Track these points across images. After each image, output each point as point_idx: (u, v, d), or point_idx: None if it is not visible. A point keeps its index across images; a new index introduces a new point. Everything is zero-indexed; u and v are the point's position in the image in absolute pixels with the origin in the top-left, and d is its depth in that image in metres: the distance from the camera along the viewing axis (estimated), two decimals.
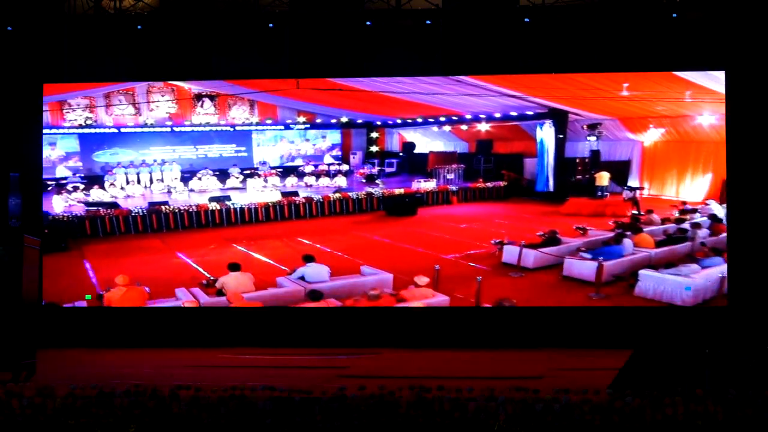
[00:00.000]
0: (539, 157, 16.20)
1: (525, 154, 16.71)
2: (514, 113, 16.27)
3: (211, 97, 18.89)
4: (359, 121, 19.13)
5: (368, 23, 17.65)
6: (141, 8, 18.23)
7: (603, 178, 15.73)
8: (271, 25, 17.82)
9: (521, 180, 16.52)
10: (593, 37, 17.30)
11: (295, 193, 19.09)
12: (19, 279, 13.08)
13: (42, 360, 13.22)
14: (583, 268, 15.25)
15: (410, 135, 19.16)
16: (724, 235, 15.25)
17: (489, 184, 17.15)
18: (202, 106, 18.89)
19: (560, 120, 16.18)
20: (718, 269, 14.86)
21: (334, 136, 19.81)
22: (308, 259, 16.62)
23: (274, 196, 18.85)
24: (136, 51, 18.11)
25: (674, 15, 16.92)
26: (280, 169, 19.52)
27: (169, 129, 18.85)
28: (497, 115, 16.31)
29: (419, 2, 17.85)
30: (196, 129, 18.82)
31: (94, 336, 17.07)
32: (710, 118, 15.20)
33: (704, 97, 15.24)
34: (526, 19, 17.26)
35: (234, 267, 16.74)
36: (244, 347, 16.46)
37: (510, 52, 17.43)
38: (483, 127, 16.80)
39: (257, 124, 19.40)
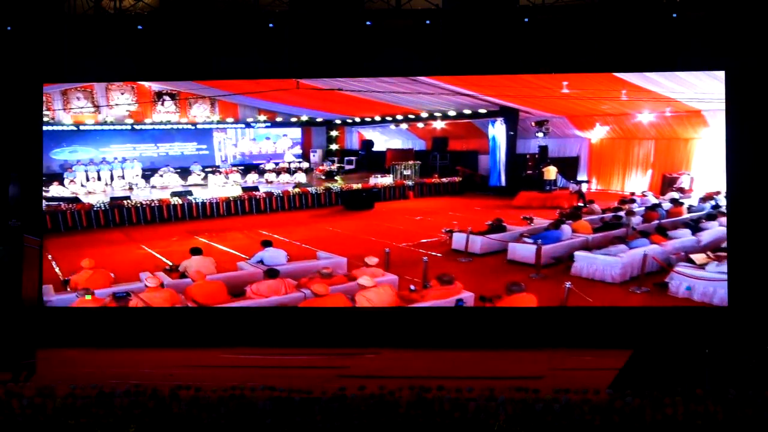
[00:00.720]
0: (491, 153, 16.99)
1: (479, 151, 17.53)
2: (467, 111, 16.65)
3: (172, 96, 18.93)
4: (319, 119, 19.40)
5: (368, 23, 17.64)
6: (141, 8, 18.23)
7: (550, 173, 16.71)
8: (271, 25, 17.82)
9: (475, 175, 17.36)
10: (593, 37, 17.31)
11: (256, 188, 19.45)
12: (19, 279, 13.10)
13: (42, 360, 13.22)
14: (525, 251, 16.11)
15: (369, 133, 19.60)
16: (656, 222, 16.30)
17: (444, 180, 17.82)
18: (162, 104, 18.93)
19: (511, 118, 16.77)
20: (643, 249, 15.67)
21: (295, 135, 20.06)
22: (266, 244, 17.11)
23: (235, 191, 19.11)
24: (136, 51, 18.10)
25: (674, 15, 16.91)
26: (241, 167, 19.71)
27: (129, 127, 18.86)
28: (452, 113, 16.76)
29: (419, 2, 17.85)
30: (157, 127, 18.88)
31: (94, 336, 17.06)
32: (650, 116, 16.00)
33: (640, 96, 15.99)
34: (526, 19, 17.26)
35: (196, 251, 17.09)
36: (244, 347, 16.46)
37: (510, 52, 17.43)
38: (438, 125, 17.42)
39: (218, 122, 19.54)
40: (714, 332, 15.47)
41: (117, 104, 18.44)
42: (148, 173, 19.14)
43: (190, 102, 19.21)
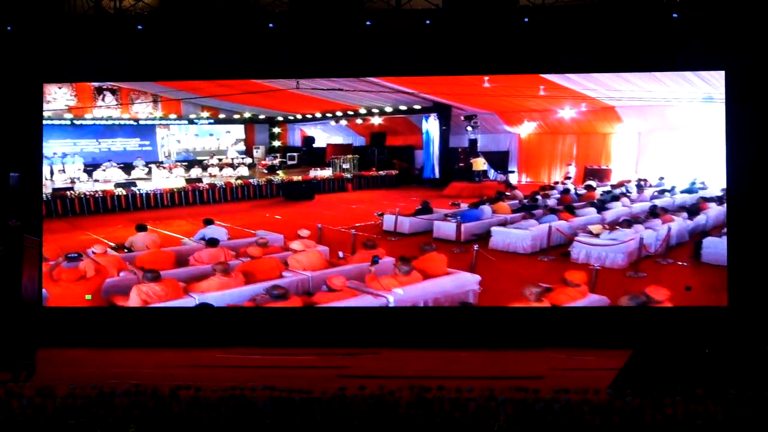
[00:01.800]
0: (425, 147, 17.91)
1: (415, 146, 18.24)
2: (403, 107, 17.28)
3: (113, 91, 18.93)
4: (262, 117, 19.67)
5: (368, 23, 17.65)
6: (141, 8, 18.24)
7: (479, 164, 17.99)
8: (271, 25, 17.82)
9: (412, 169, 18.23)
10: (593, 37, 17.32)
11: (199, 180, 19.76)
12: (19, 279, 13.08)
13: (42, 360, 13.22)
14: (448, 229, 17.51)
15: (310, 130, 20.06)
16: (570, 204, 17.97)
17: (381, 173, 18.41)
18: (103, 99, 18.89)
19: (444, 113, 17.60)
20: (549, 223, 17.37)
21: (238, 132, 20.26)
22: (208, 222, 18.01)
23: (179, 183, 19.29)
24: (136, 51, 18.11)
25: (674, 15, 16.91)
26: (185, 162, 19.85)
27: (69, 122, 18.84)
28: (388, 109, 17.40)
29: (419, 2, 17.86)
30: (98, 122, 18.88)
31: (94, 336, 17.06)
32: (570, 112, 17.20)
33: (558, 93, 17.06)
34: (526, 19, 17.26)
35: (141, 227, 17.77)
36: (244, 347, 16.46)
37: (510, 52, 17.43)
38: (376, 121, 17.84)
39: (161, 118, 19.60)
40: (714, 332, 15.48)
41: (54, 98, 18.37)
42: (90, 168, 19.18)
43: (131, 98, 19.25)
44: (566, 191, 18.52)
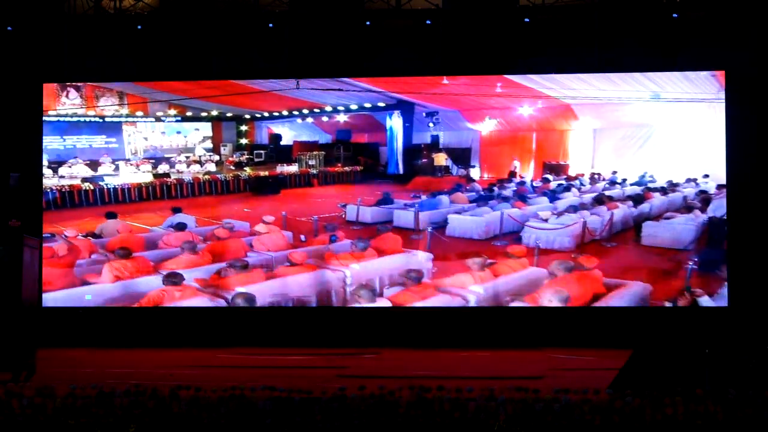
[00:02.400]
0: (389, 143, 18.28)
1: (380, 143, 18.69)
2: (368, 104, 17.72)
3: (77, 88, 18.87)
4: (229, 114, 19.79)
5: (368, 23, 17.65)
6: (141, 8, 18.24)
7: (440, 159, 18.46)
8: (271, 25, 17.82)
9: (376, 165, 18.62)
10: (593, 37, 17.32)
11: (167, 175, 19.91)
12: (19, 279, 13.10)
13: (42, 360, 13.22)
14: (407, 217, 18.18)
15: (277, 128, 20.22)
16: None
17: (347, 168, 18.71)
18: (67, 96, 18.83)
19: (407, 111, 18.11)
20: (502, 211, 18.25)
21: (205, 129, 20.37)
22: (176, 210, 18.47)
23: (147, 177, 19.43)
24: (136, 51, 18.11)
25: (674, 15, 16.91)
26: (152, 160, 19.89)
27: None
28: (354, 107, 17.72)
29: (419, 2, 17.86)
30: (62, 119, 18.85)
31: (94, 336, 17.06)
32: (529, 109, 17.63)
33: (516, 91, 17.52)
34: (526, 19, 17.26)
35: (111, 215, 18.05)
36: (244, 347, 16.46)
37: (510, 52, 17.43)
38: (342, 118, 18.12)
39: (127, 116, 19.60)
40: (714, 332, 15.49)
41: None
42: (54, 165, 19.17)
43: (96, 95, 19.23)
44: (522, 183, 19.34)
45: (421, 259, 17.11)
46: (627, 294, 15.91)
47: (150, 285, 16.52)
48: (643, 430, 9.40)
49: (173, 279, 16.38)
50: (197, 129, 20.36)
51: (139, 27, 17.95)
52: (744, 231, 16.62)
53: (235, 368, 14.75)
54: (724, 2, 16.96)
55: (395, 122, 18.21)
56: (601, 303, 15.73)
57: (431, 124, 18.06)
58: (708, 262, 15.98)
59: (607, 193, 18.20)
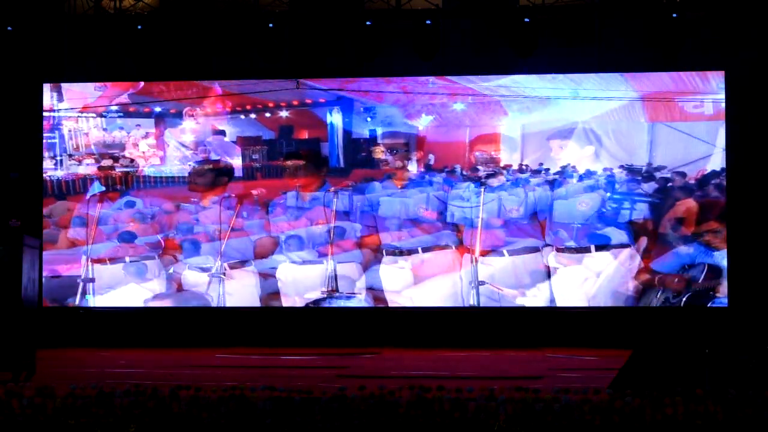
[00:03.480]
0: (330, 138, 18.60)
1: (321, 138, 18.92)
2: (309, 101, 18.48)
3: None
4: (172, 111, 19.82)
5: (368, 23, 17.64)
6: (141, 8, 18.23)
7: (378, 152, 18.78)
8: (271, 25, 17.81)
9: (318, 159, 18.89)
10: (593, 36, 17.33)
11: (112, 168, 19.87)
12: (19, 279, 13.08)
13: (42, 360, 13.22)
14: (342, 201, 18.60)
15: (221, 124, 20.16)
16: None
17: (289, 162, 18.76)
18: None
19: (347, 106, 18.41)
20: (427, 193, 18.85)
21: (148, 125, 20.38)
22: (125, 193, 18.82)
23: (90, 170, 19.48)
24: (136, 51, 18.10)
25: (674, 15, 16.91)
26: (95, 155, 19.86)
27: None
28: (295, 103, 18.06)
29: (419, 2, 17.85)
30: None
31: (94, 336, 17.07)
32: (462, 105, 18.13)
33: (448, 87, 18.18)
34: (527, 19, 17.26)
35: (60, 196, 18.45)
36: (244, 347, 16.47)
37: (510, 52, 17.44)
38: (284, 114, 18.17)
39: (67, 110, 19.53)
40: (714, 332, 15.50)
41: None
42: None
43: None
44: (452, 171, 19.80)
45: (351, 227, 18.17)
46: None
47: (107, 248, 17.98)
48: (643, 430, 9.39)
49: (126, 237, 17.83)
50: (138, 125, 20.30)
51: (139, 27, 17.94)
52: (744, 231, 16.63)
53: (235, 368, 14.76)
54: (724, 2, 16.96)
55: (335, 118, 18.69)
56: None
57: (369, 119, 18.43)
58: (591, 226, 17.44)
59: (531, 180, 18.71)
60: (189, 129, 18.75)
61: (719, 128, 16.91)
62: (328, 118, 18.78)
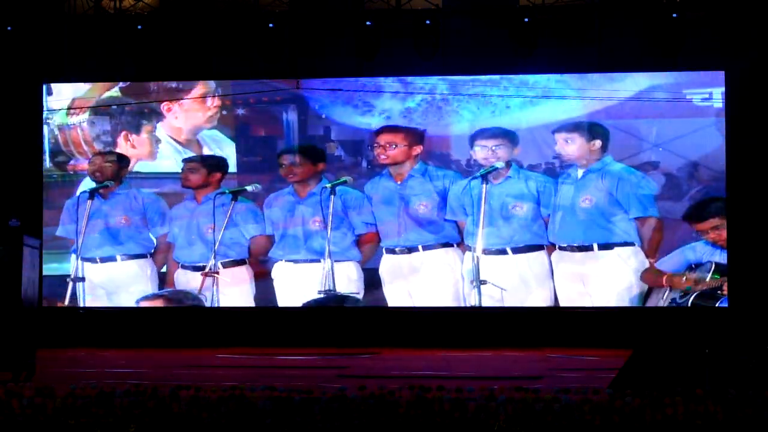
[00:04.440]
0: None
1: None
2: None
3: None
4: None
5: (368, 23, 17.64)
6: (141, 8, 18.23)
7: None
8: (271, 25, 17.81)
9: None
10: (593, 36, 17.33)
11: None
12: (19, 279, 13.07)
13: (42, 360, 13.21)
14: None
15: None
16: None
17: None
18: None
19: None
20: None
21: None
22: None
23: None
24: (136, 51, 18.09)
25: (674, 15, 16.91)
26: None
27: None
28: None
29: (419, 2, 17.85)
30: None
31: (94, 336, 17.07)
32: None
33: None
34: (526, 19, 17.26)
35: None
36: (244, 347, 16.48)
37: (510, 52, 17.44)
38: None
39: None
40: (714, 332, 15.50)
41: None
42: None
43: None
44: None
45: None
46: None
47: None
48: (643, 430, 9.39)
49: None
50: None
51: (139, 27, 17.94)
52: (744, 231, 16.63)
53: (235, 368, 14.76)
54: (724, 2, 16.97)
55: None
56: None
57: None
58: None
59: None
60: (181, 123, 18.71)
61: (721, 127, 16.89)
62: (284, 116, 18.78)
